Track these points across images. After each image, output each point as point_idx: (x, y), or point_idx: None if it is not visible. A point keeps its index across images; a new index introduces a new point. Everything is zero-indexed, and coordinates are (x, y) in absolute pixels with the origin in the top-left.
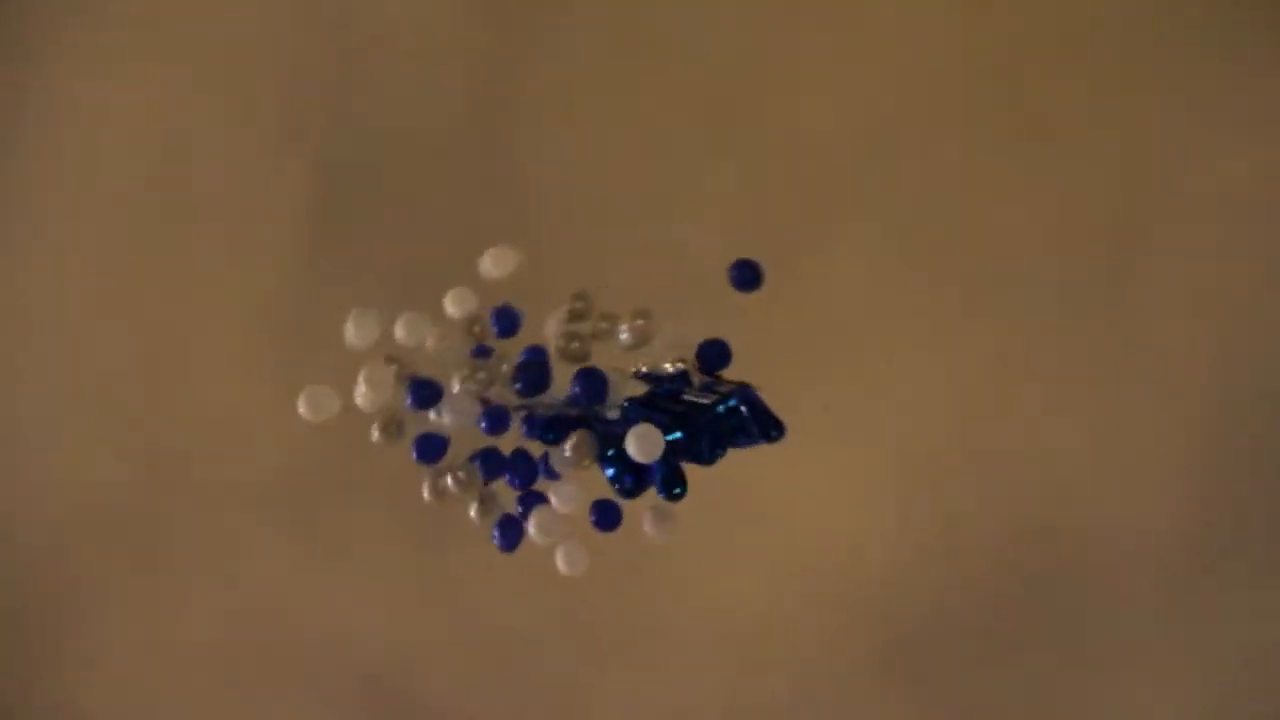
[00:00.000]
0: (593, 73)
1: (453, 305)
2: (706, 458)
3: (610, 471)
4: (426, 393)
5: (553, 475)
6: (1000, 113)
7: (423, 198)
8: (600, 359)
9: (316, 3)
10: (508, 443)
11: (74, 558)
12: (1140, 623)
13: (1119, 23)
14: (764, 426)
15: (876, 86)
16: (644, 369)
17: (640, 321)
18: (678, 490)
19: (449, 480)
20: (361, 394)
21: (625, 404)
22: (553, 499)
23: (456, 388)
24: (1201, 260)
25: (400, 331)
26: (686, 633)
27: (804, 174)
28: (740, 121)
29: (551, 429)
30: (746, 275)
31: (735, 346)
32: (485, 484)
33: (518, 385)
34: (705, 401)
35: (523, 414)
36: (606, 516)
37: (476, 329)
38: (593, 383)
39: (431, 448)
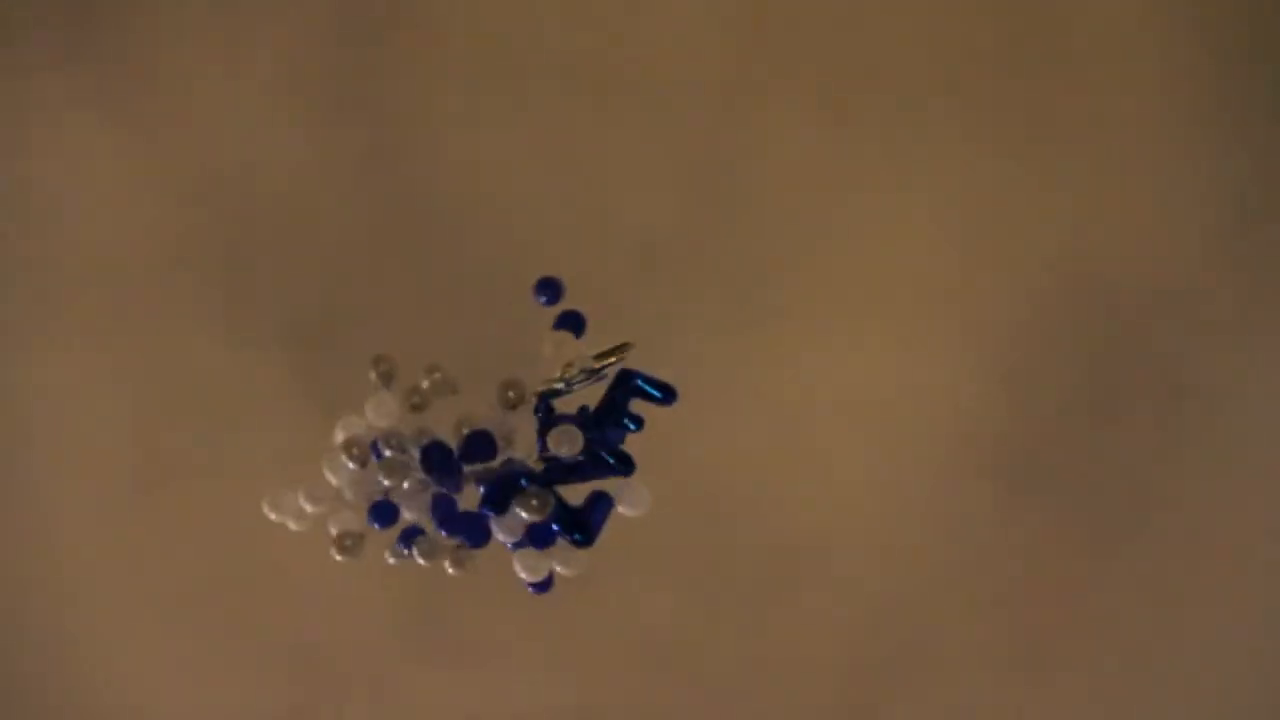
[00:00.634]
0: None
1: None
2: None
3: (556, 528)
4: (386, 512)
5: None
6: None
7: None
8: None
9: None
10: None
11: None
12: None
13: None
14: (664, 396)
15: None
16: (554, 385)
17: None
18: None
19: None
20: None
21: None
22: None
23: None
24: None
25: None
26: None
27: None
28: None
29: (494, 499)
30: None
31: None
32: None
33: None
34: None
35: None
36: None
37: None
38: (481, 443)
39: (386, 512)
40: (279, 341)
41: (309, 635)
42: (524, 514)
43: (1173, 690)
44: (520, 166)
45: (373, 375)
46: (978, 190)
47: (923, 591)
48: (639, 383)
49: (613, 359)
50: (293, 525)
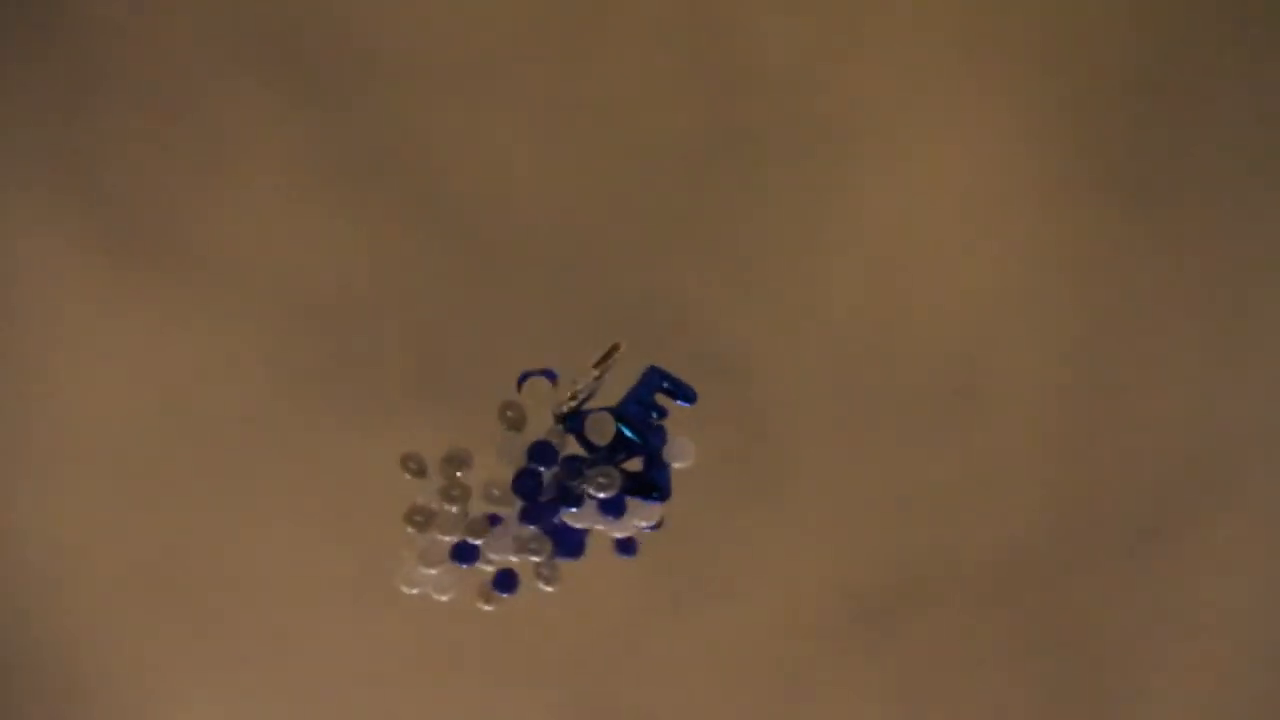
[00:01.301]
0: None
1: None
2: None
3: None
4: (469, 552)
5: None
6: None
7: None
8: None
9: None
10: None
11: None
12: None
13: None
14: (685, 397)
15: None
16: (569, 405)
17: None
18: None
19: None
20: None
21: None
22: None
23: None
24: None
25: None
26: None
27: None
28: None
29: (566, 495)
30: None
31: None
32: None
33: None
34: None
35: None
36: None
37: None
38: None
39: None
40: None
41: None
42: (597, 492)
43: None
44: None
45: (503, 420)
46: None
47: None
48: (663, 383)
49: (608, 361)
50: (443, 598)
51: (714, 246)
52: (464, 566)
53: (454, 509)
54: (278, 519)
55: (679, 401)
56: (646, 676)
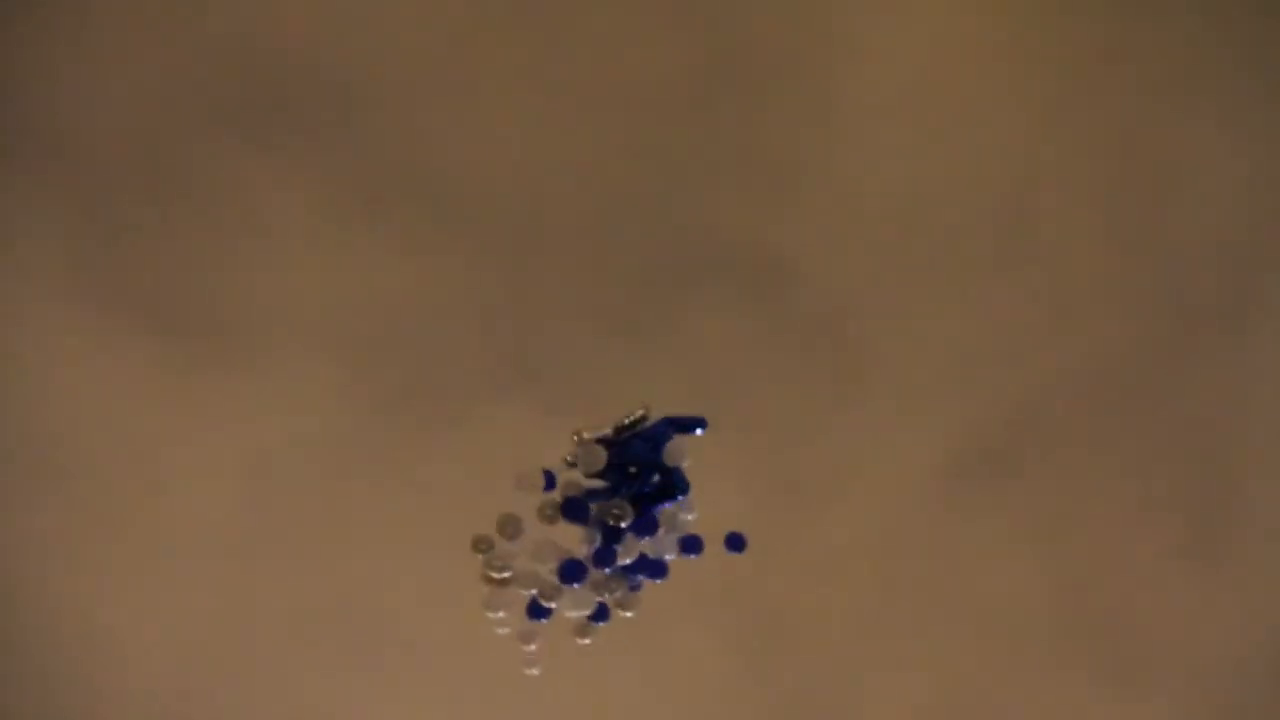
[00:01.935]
0: None
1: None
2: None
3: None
4: (573, 569)
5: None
6: None
7: None
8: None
9: None
10: None
11: None
12: None
13: None
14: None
15: None
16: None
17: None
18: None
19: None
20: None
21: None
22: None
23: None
24: None
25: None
26: None
27: None
28: None
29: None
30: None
31: None
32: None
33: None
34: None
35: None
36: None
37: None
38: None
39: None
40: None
41: None
42: (617, 522)
43: None
44: None
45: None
46: None
47: None
48: (671, 429)
49: (634, 428)
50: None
51: (738, 167)
52: (541, 621)
53: (505, 575)
54: (394, 539)
55: (696, 431)
56: (776, 571)
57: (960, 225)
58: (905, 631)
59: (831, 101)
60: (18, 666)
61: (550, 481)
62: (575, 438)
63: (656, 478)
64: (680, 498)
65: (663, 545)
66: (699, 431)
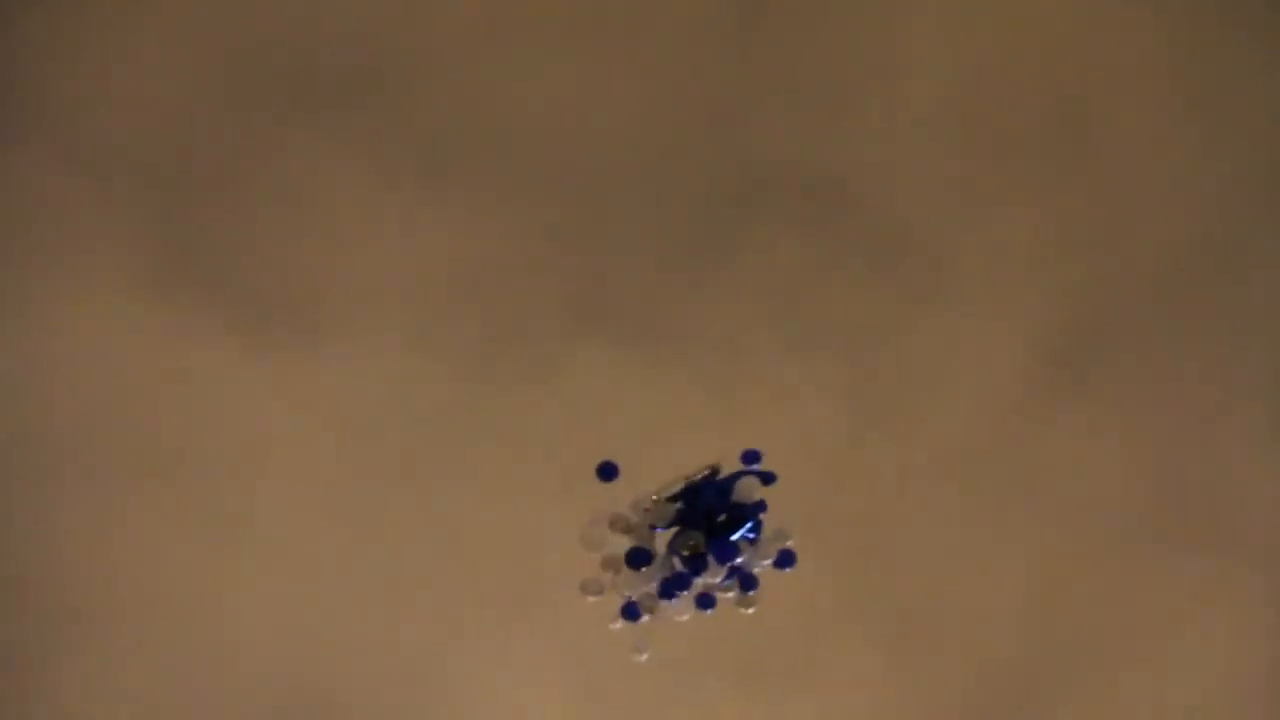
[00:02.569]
0: None
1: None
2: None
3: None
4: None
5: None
6: None
7: None
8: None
9: None
10: None
11: None
12: None
13: None
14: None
15: None
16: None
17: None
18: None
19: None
20: None
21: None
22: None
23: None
24: None
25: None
26: None
27: None
28: None
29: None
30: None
31: None
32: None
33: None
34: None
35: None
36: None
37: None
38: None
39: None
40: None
41: None
42: (690, 552)
43: None
44: None
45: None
46: None
47: None
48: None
49: (700, 478)
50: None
51: (793, 91)
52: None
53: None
54: (487, 489)
55: (767, 483)
56: (863, 486)
57: (1023, 130)
58: (994, 533)
59: (885, 17)
60: (136, 639)
61: (609, 471)
62: (652, 498)
63: (724, 516)
64: (750, 524)
65: (751, 562)
66: (771, 482)
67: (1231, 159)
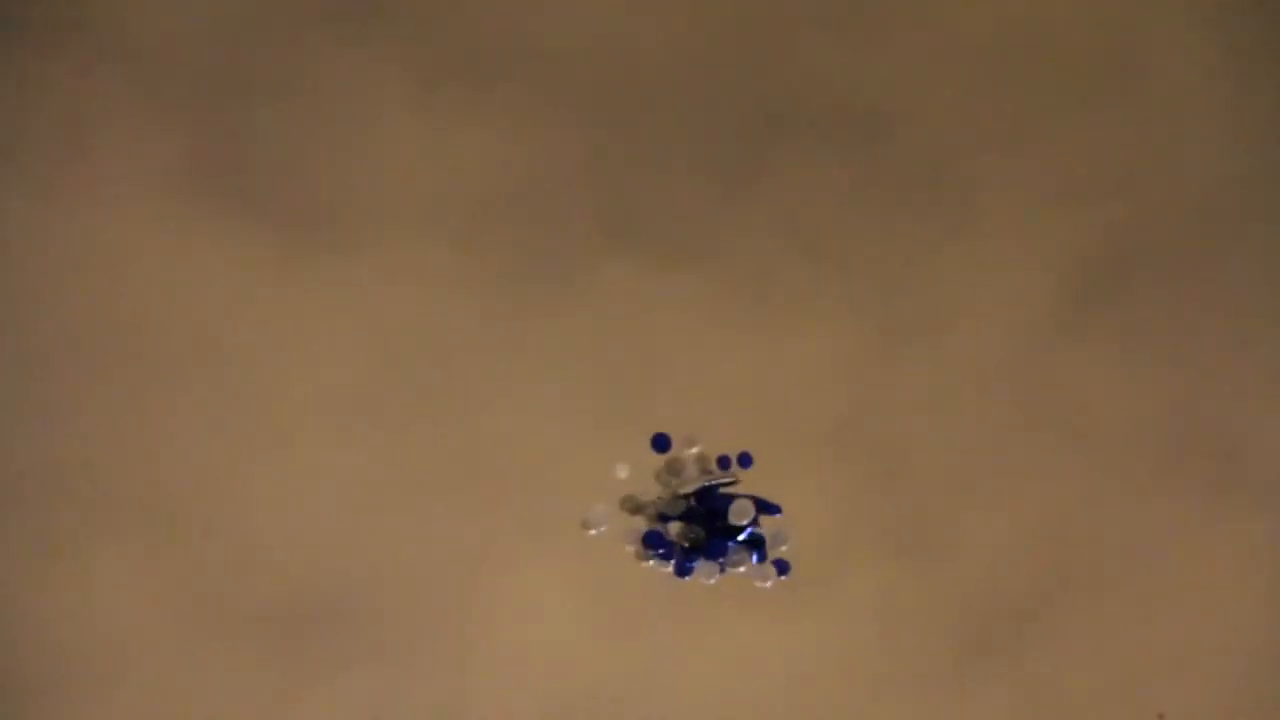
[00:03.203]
0: None
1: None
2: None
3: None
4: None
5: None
6: None
7: None
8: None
9: None
10: None
11: None
12: None
13: None
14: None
15: None
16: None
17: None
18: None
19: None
20: None
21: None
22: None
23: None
24: None
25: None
26: None
27: None
28: None
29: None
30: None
31: None
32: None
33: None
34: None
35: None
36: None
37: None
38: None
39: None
40: None
41: None
42: (689, 544)
43: None
44: None
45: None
46: None
47: None
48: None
49: (721, 487)
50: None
51: (829, 16)
52: (651, 551)
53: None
54: (518, 400)
55: (774, 513)
56: (886, 409)
57: (1059, 65)
58: (1013, 459)
59: None
60: (167, 533)
61: (663, 443)
62: (675, 493)
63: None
64: (732, 542)
65: (750, 572)
66: (774, 514)
67: (1266, 100)
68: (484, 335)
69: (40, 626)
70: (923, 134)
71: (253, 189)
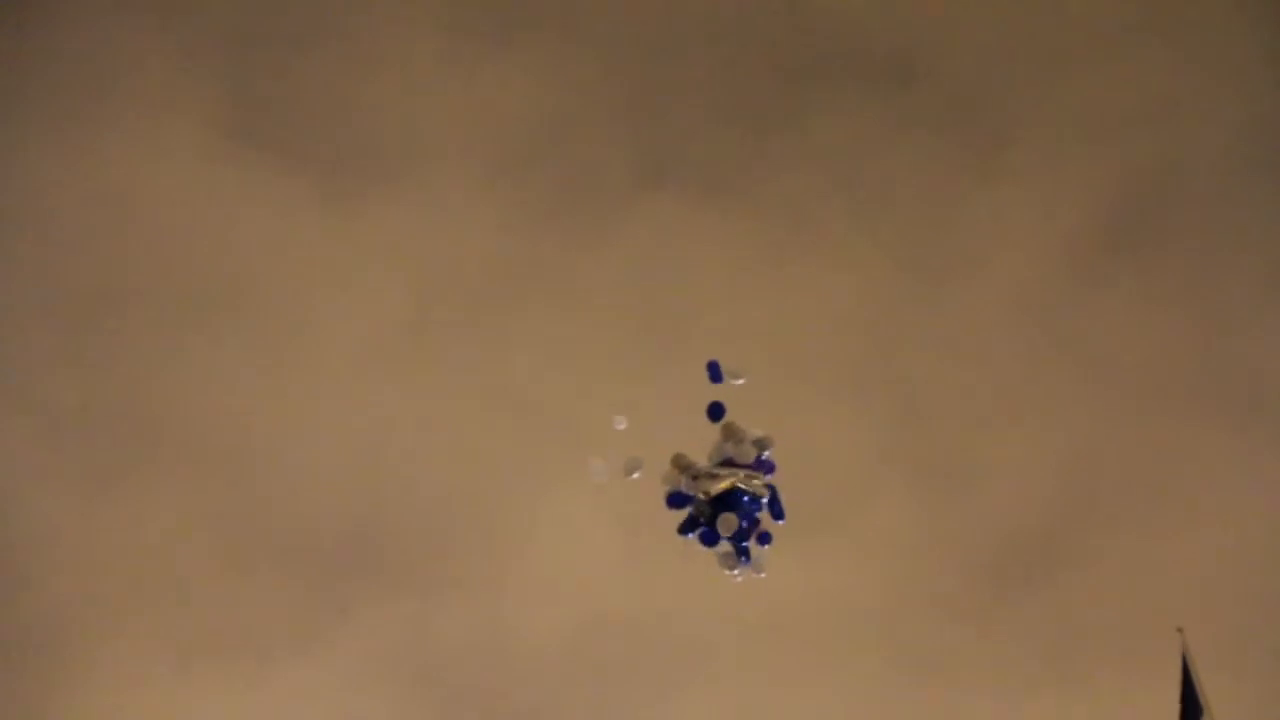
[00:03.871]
0: None
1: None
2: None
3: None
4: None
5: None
6: None
7: None
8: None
9: None
10: None
11: None
12: None
13: None
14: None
15: None
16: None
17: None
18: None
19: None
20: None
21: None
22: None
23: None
24: None
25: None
26: None
27: None
28: None
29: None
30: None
31: None
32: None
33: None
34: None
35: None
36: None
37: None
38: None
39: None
40: None
41: None
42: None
43: None
44: None
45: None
46: None
47: None
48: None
49: (743, 483)
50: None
51: None
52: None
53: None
54: (557, 339)
55: (776, 519)
56: (915, 345)
57: (1093, 6)
58: (1043, 393)
59: None
60: (208, 467)
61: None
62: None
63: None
64: (722, 538)
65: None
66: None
67: None
68: (516, 273)
69: (88, 557)
70: (956, 75)
71: (290, 134)
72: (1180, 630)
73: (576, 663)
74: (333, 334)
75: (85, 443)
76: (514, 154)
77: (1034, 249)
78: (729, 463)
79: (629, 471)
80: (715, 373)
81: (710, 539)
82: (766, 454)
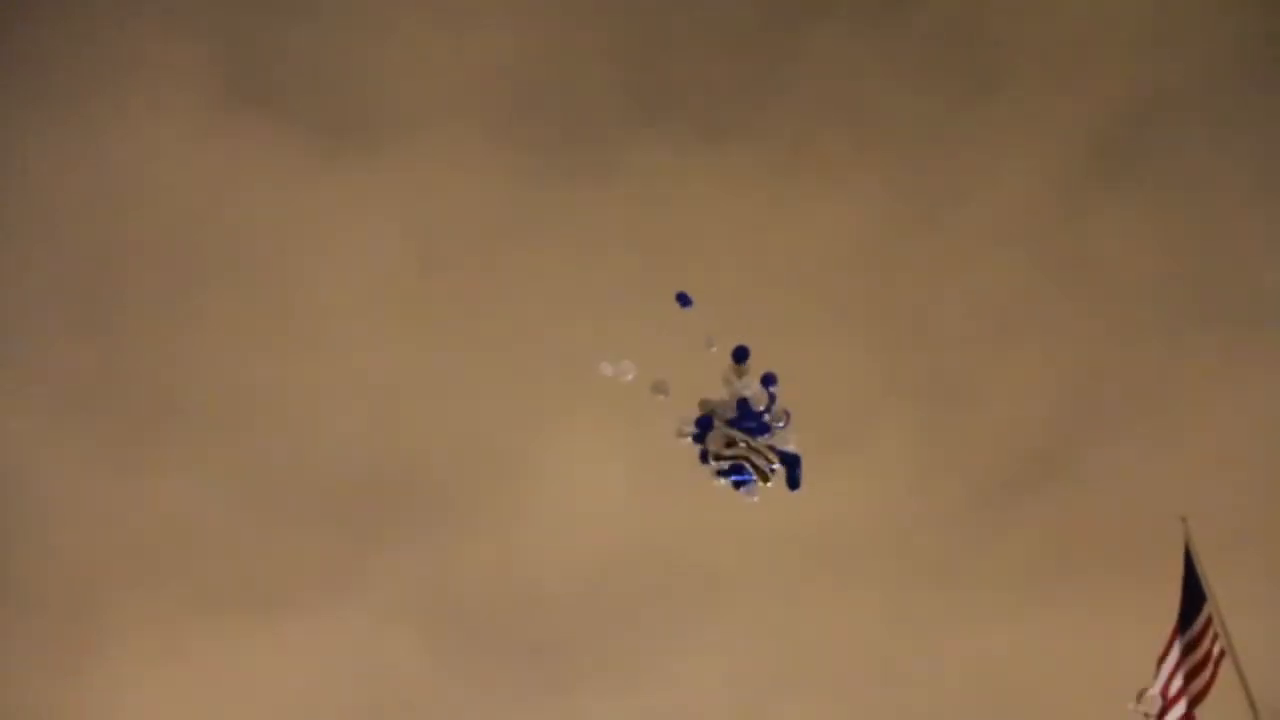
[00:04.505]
0: None
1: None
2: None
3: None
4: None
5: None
6: None
7: None
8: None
9: None
10: None
11: None
12: None
13: None
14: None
15: None
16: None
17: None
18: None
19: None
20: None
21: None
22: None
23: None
24: None
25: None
26: None
27: None
28: None
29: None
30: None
31: None
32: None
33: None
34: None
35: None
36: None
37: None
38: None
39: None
40: None
41: None
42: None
43: None
44: None
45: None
46: None
47: None
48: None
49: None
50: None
51: None
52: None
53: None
54: (560, 287)
55: (792, 488)
56: (913, 272)
57: None
58: (1042, 313)
59: None
60: (220, 428)
61: (741, 355)
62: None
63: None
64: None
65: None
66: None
67: None
68: (518, 220)
69: (112, 520)
70: (950, 1)
71: (283, 97)
72: (1184, 520)
73: (595, 595)
74: (339, 287)
75: (103, 409)
76: (511, 98)
77: (1031, 171)
78: (742, 404)
79: (657, 391)
80: (685, 301)
81: (741, 477)
82: (772, 387)
